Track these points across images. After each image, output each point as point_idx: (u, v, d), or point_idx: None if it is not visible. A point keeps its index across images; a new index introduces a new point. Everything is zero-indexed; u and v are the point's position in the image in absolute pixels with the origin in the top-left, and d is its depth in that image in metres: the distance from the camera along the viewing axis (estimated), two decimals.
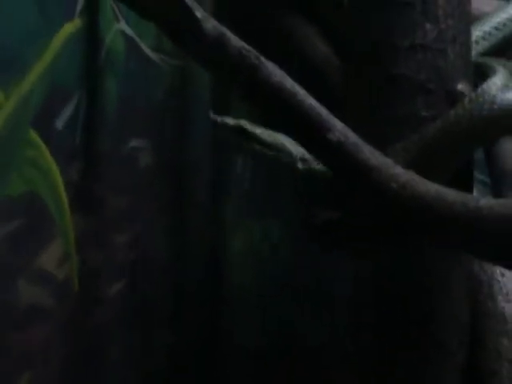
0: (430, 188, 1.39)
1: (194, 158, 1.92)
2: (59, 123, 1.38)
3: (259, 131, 1.59)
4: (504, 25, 2.01)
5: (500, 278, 1.79)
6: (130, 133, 1.62)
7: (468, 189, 1.72)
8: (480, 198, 1.40)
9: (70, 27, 1.40)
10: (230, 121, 1.57)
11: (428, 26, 1.70)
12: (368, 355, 1.79)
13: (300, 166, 1.60)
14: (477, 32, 1.98)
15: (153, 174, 1.70)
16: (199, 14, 1.41)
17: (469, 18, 1.76)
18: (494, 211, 1.35)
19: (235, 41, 1.42)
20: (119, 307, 1.61)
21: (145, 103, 1.66)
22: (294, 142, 1.57)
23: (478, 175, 1.81)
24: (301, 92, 1.41)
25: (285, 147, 1.58)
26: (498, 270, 1.80)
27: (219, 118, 1.56)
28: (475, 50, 1.94)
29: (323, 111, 1.41)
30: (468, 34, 1.76)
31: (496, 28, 2.01)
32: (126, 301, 1.63)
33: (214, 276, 2.05)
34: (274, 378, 2.26)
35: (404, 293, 1.71)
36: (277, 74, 1.41)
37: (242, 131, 1.57)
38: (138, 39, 1.62)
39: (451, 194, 1.39)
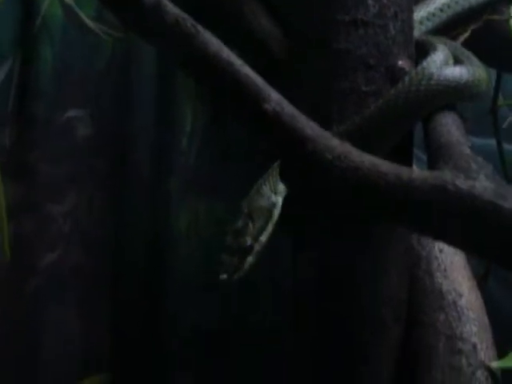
0: (365, 159, 1.40)
1: (136, 130, 1.90)
2: None
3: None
4: (448, 6, 2.02)
5: (438, 255, 1.81)
6: (67, 102, 1.60)
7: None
8: (414, 170, 1.41)
9: None
10: None
11: (370, 1, 1.70)
12: (307, 334, 1.79)
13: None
14: (421, 12, 1.99)
15: (91, 145, 1.68)
16: None
17: None
18: (427, 182, 1.36)
19: (172, 9, 1.41)
20: (53, 278, 1.59)
21: (84, 73, 1.64)
22: None
23: (421, 155, 1.82)
24: (237, 61, 1.41)
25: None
26: (437, 247, 1.81)
27: None
28: (419, 30, 1.95)
29: (259, 81, 1.41)
30: (410, 10, 1.77)
31: (440, 9, 2.02)
32: (61, 272, 1.61)
33: (156, 252, 2.03)
34: (217, 360, 2.25)
35: (341, 271, 1.72)
36: (213, 42, 1.41)
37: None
38: (76, 8, 1.59)
39: (385, 166, 1.39)
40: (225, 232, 1.54)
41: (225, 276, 1.49)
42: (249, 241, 1.52)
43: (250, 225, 1.53)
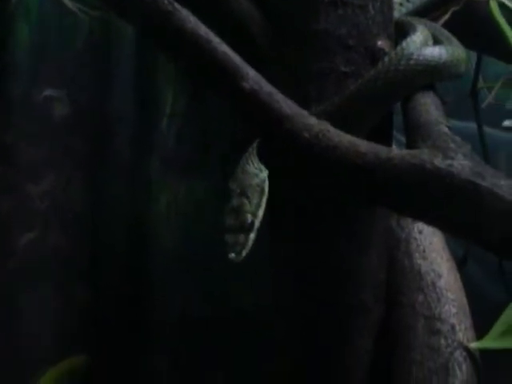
0: (343, 139, 1.39)
1: (114, 111, 1.89)
2: None
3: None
4: None
5: (417, 236, 1.81)
6: (44, 81, 1.59)
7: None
8: (392, 149, 1.41)
9: None
10: None
11: None
12: (291, 317, 1.79)
13: None
14: None
15: (69, 124, 1.67)
16: None
17: None
18: (405, 161, 1.36)
19: None
20: (31, 257, 1.59)
21: (61, 52, 1.63)
22: None
23: (400, 137, 1.81)
24: (215, 39, 1.40)
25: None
26: (416, 228, 1.81)
27: None
28: (399, 11, 1.95)
29: (237, 59, 1.40)
30: None
31: None
32: (39, 252, 1.60)
33: (136, 232, 2.03)
34: (197, 339, 2.25)
35: (321, 253, 1.72)
36: (190, 20, 1.40)
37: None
38: None
39: (364, 145, 1.39)
40: (204, 211, 1.52)
41: (233, 255, 1.50)
42: (249, 218, 1.53)
43: (247, 202, 1.54)
